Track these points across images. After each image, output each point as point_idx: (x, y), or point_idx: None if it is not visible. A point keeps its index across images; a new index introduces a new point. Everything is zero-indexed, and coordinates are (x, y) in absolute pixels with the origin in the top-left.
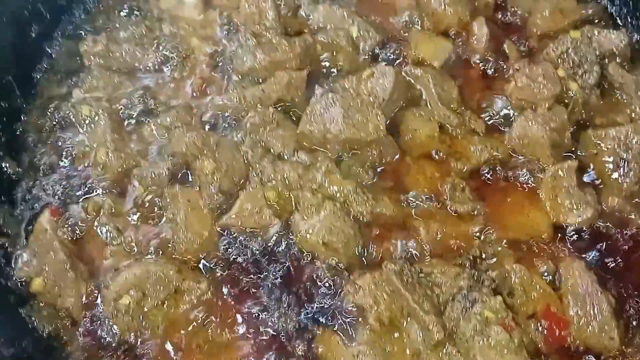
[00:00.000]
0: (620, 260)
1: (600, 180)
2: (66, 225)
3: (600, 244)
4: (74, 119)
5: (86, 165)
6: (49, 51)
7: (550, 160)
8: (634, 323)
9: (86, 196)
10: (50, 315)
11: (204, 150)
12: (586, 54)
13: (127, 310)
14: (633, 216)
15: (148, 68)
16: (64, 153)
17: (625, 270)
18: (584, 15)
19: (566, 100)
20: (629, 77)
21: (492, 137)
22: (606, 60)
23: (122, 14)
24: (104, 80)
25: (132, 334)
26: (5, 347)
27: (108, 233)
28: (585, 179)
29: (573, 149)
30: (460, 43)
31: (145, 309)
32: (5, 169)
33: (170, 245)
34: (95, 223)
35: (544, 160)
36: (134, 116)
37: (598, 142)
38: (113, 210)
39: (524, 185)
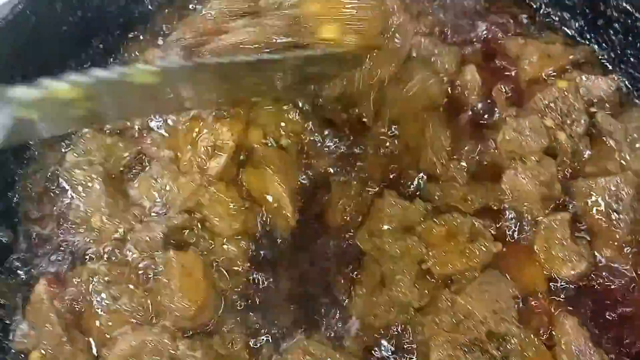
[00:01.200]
0: (613, 314)
1: (592, 231)
2: (63, 295)
3: (594, 297)
4: (68, 185)
5: (81, 231)
6: None
7: (541, 212)
8: None
9: (82, 264)
10: None
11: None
12: (574, 103)
13: None
14: (627, 267)
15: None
16: (60, 220)
17: (619, 324)
18: (572, 59)
19: (555, 151)
20: (617, 124)
21: (480, 188)
22: (595, 107)
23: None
24: (96, 142)
25: None
26: None
27: (103, 301)
28: (579, 230)
29: (564, 199)
30: (450, 91)
31: None
32: (0, 238)
33: (165, 311)
34: (91, 290)
35: (535, 213)
36: (130, 177)
37: (589, 191)
38: (108, 278)
39: (516, 239)
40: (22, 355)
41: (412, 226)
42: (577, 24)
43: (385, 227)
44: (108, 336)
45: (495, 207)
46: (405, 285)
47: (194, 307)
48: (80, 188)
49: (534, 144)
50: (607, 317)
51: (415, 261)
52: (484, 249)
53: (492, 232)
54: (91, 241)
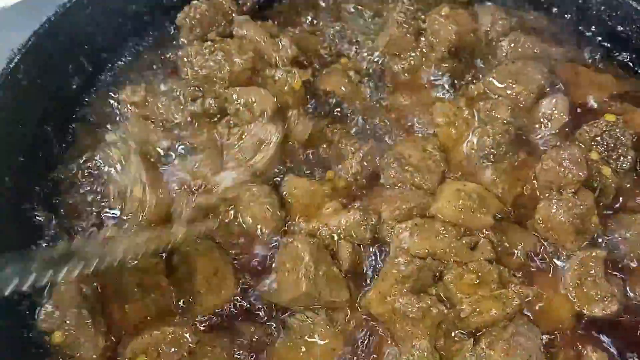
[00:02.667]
0: None
1: (629, 269)
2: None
3: (624, 334)
4: (105, 163)
5: (120, 207)
6: (87, 100)
7: (575, 246)
8: None
9: None
10: None
11: None
12: (621, 137)
13: None
14: None
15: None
16: (98, 200)
17: None
18: (622, 91)
19: (596, 184)
20: None
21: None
22: None
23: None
24: (139, 127)
25: None
26: None
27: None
28: (616, 267)
29: (601, 234)
30: None
31: None
32: (38, 218)
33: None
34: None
35: (568, 247)
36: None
37: (628, 227)
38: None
39: (547, 272)
40: (45, 335)
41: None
42: (630, 56)
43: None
44: (131, 323)
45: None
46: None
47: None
48: (118, 165)
49: (571, 176)
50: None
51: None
52: (520, 293)
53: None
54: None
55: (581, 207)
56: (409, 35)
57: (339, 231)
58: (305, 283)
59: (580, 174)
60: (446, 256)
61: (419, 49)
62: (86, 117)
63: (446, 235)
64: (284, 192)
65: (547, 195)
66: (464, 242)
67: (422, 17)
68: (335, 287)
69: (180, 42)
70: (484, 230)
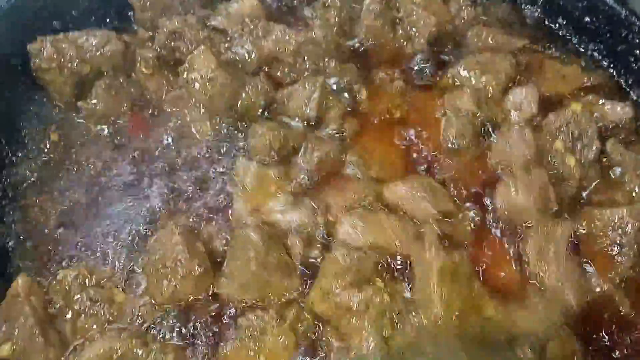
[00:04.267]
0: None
1: (592, 260)
2: (40, 293)
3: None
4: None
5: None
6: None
7: (538, 222)
8: None
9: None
10: None
11: None
12: (586, 128)
13: None
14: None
15: None
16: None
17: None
18: (588, 83)
19: (564, 176)
20: (628, 154)
21: None
22: (608, 133)
23: None
24: None
25: None
26: None
27: (81, 303)
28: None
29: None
30: None
31: None
32: None
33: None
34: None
35: (532, 224)
36: None
37: (595, 221)
38: (91, 280)
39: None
40: None
41: None
42: (597, 48)
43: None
44: (79, 336)
45: None
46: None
47: None
48: None
49: (519, 155)
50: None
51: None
52: None
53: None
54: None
55: (537, 183)
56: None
57: (290, 224)
58: (254, 263)
59: (527, 152)
60: (390, 247)
61: (396, 40)
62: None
63: (391, 226)
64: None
65: (502, 178)
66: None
67: (397, 5)
68: (287, 273)
69: None
70: (429, 220)
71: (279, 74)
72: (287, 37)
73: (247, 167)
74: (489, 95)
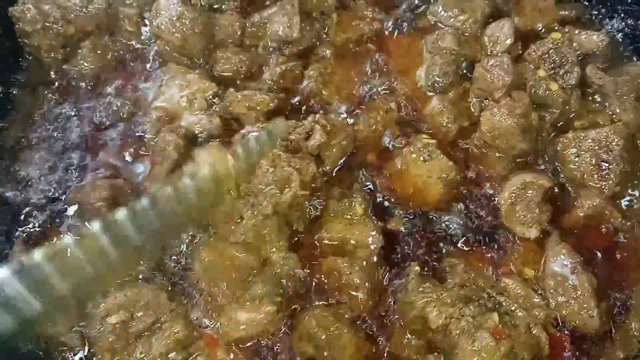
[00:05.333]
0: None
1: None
2: None
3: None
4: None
5: None
6: (22, 64)
7: (524, 145)
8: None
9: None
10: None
11: None
12: (567, 55)
13: (114, 329)
14: (614, 218)
15: None
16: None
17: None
18: (563, 15)
19: (547, 102)
20: (607, 78)
21: None
22: (586, 60)
23: None
24: None
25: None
26: None
27: None
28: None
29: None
30: None
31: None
32: None
33: None
34: None
35: (520, 147)
36: None
37: (578, 144)
38: None
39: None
40: None
41: None
42: None
43: None
44: None
45: None
46: None
47: None
48: None
49: (499, 80)
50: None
51: None
52: None
53: None
54: None
55: (520, 104)
56: None
57: None
58: None
59: (506, 77)
60: None
61: None
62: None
63: None
64: None
65: (484, 105)
66: None
67: None
68: None
69: None
70: None
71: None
72: None
73: None
74: (467, 34)
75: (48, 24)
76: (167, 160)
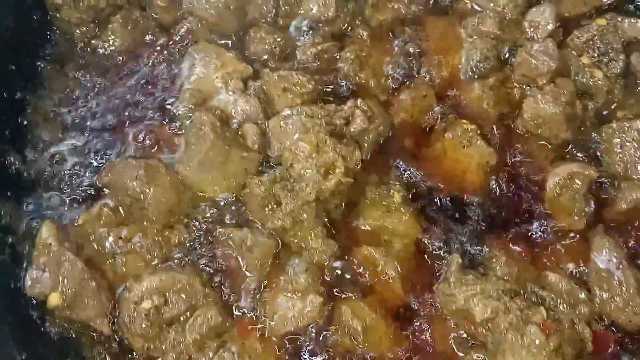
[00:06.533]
0: None
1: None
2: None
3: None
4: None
5: None
6: (52, 38)
7: (568, 134)
8: None
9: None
10: (71, 328)
11: None
12: (612, 42)
13: (147, 315)
14: None
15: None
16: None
17: None
18: (604, 3)
19: (591, 90)
20: None
21: None
22: (631, 48)
23: None
24: None
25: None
26: None
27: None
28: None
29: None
30: None
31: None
32: (11, 164)
33: None
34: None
35: (562, 136)
36: None
37: (622, 134)
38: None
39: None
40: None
41: None
42: None
43: None
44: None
45: None
46: None
47: None
48: None
49: (543, 67)
50: None
51: None
52: None
53: None
54: None
55: (564, 92)
56: None
57: None
58: None
59: (552, 63)
60: None
61: None
62: (54, 56)
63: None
64: None
65: (527, 92)
66: None
67: None
68: None
69: None
70: None
71: None
72: None
73: None
74: (508, 18)
75: None
76: (203, 140)
